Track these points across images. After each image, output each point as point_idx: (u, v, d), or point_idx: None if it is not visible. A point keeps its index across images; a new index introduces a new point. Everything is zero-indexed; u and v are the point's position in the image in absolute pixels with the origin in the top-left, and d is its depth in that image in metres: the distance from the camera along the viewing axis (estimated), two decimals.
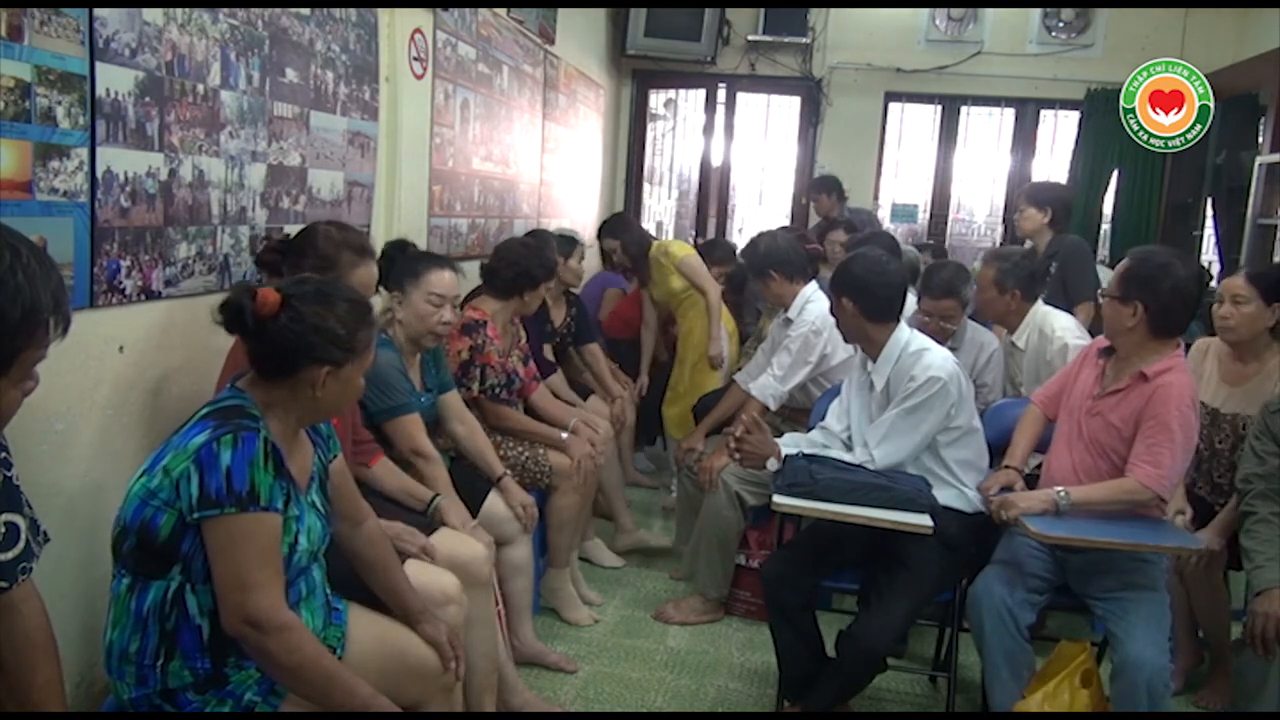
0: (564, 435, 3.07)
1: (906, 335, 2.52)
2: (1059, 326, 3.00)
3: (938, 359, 2.46)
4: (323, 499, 1.72)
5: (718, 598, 3.21)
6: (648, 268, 4.18)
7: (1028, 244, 4.14)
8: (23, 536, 1.31)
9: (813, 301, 3.32)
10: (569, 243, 3.89)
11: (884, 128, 6.61)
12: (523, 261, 3.02)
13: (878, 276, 2.49)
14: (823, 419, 2.73)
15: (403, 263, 2.55)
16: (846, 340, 2.64)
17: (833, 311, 2.59)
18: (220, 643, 1.52)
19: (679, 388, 4.14)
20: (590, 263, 4.48)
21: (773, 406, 3.32)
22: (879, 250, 2.74)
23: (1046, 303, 3.17)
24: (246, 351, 1.60)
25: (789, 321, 3.39)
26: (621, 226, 4.39)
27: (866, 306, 2.48)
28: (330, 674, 1.53)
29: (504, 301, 3.03)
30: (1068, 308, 3.42)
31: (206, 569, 1.49)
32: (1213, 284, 5.78)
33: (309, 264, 2.07)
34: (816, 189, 5.85)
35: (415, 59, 3.15)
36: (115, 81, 1.81)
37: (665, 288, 4.13)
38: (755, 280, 3.58)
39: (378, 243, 2.44)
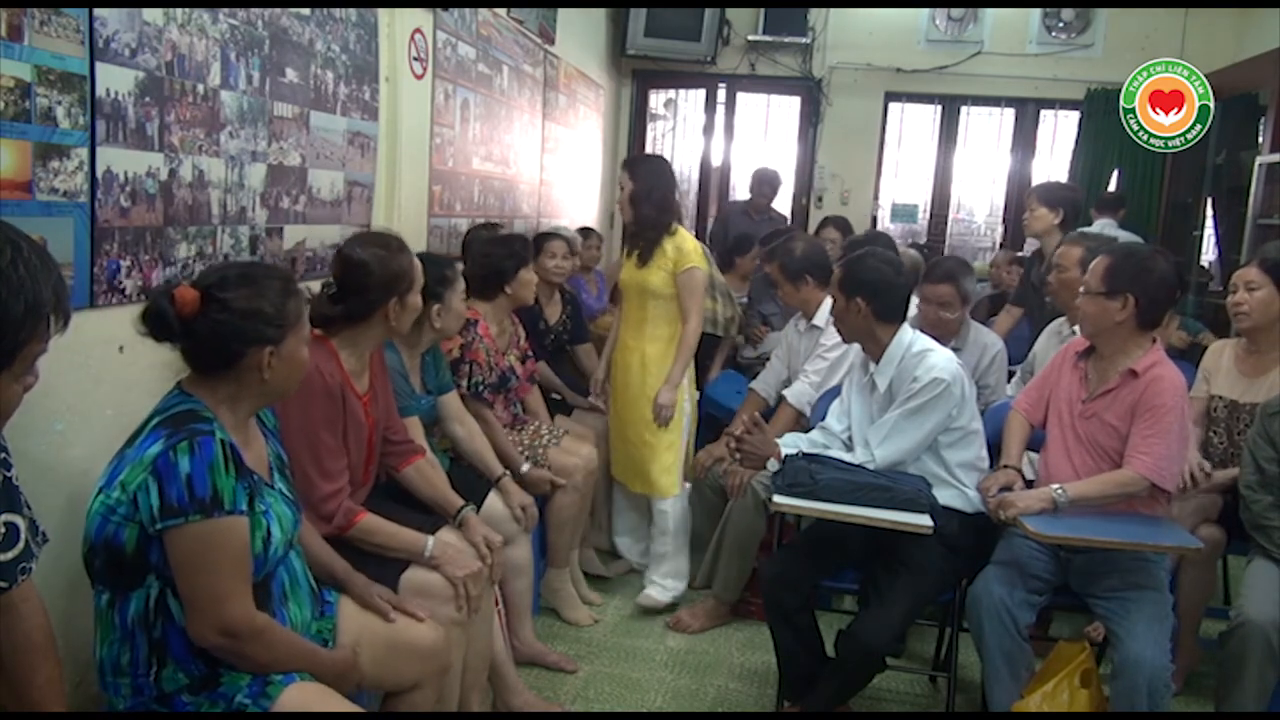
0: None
1: (910, 336, 2.52)
2: None
3: (941, 360, 2.45)
4: (287, 485, 1.72)
5: (730, 600, 3.20)
6: (652, 244, 3.20)
7: (1031, 243, 4.13)
8: (22, 537, 1.31)
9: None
10: (543, 237, 3.61)
11: (884, 128, 6.61)
12: (487, 259, 2.99)
13: (895, 276, 2.50)
14: (823, 419, 2.73)
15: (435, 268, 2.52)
16: (847, 340, 2.64)
17: (835, 310, 2.58)
18: None
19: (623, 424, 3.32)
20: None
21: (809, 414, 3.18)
22: (885, 251, 2.74)
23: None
24: (181, 353, 1.58)
25: (815, 329, 3.31)
26: (655, 172, 3.26)
27: (879, 307, 2.47)
28: (300, 655, 1.62)
29: (489, 302, 3.01)
30: None
31: None
32: (1213, 284, 5.81)
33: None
34: (761, 183, 5.61)
35: (415, 59, 3.15)
36: (115, 81, 1.81)
37: (641, 277, 3.22)
38: (786, 282, 3.32)
39: None
